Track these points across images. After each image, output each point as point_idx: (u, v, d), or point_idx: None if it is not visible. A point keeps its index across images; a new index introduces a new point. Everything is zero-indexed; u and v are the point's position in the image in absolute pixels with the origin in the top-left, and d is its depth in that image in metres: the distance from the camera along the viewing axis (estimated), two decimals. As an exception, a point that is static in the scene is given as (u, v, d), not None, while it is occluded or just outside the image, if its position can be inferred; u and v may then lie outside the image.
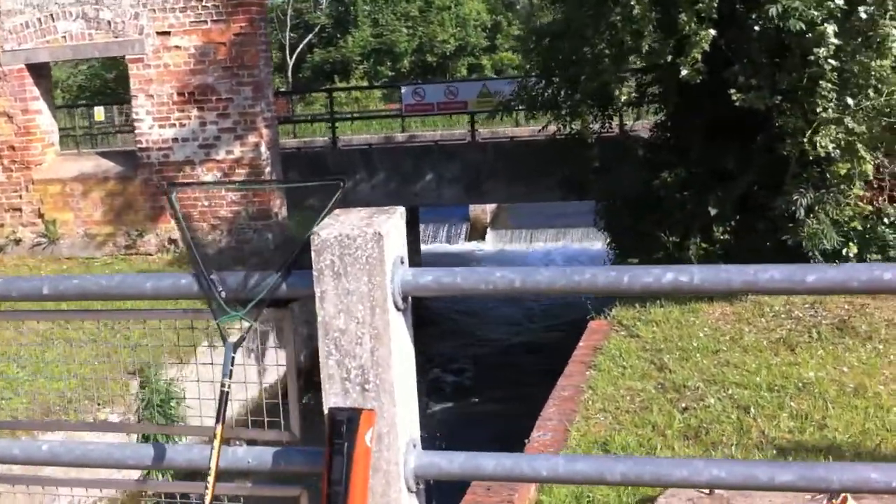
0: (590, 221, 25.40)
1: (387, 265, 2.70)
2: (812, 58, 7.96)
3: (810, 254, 9.06)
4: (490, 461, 2.74)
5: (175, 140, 13.11)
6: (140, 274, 2.97)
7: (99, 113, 23.10)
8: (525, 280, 2.66)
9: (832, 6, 7.93)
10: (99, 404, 8.45)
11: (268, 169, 13.06)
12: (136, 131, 13.33)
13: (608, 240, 13.92)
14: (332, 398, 2.76)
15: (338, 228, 2.75)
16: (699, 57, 8.46)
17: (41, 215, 13.74)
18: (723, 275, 2.58)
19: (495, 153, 16.11)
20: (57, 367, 8.92)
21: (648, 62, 9.08)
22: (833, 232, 8.89)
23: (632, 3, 8.66)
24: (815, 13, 7.87)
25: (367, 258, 2.69)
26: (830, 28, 7.78)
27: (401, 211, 2.92)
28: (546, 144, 15.97)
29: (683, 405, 6.43)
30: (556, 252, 23.84)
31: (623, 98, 9.70)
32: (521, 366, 13.81)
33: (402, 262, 2.78)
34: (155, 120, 13.12)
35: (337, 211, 2.93)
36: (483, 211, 26.43)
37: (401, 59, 41.98)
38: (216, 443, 2.72)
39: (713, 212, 10.21)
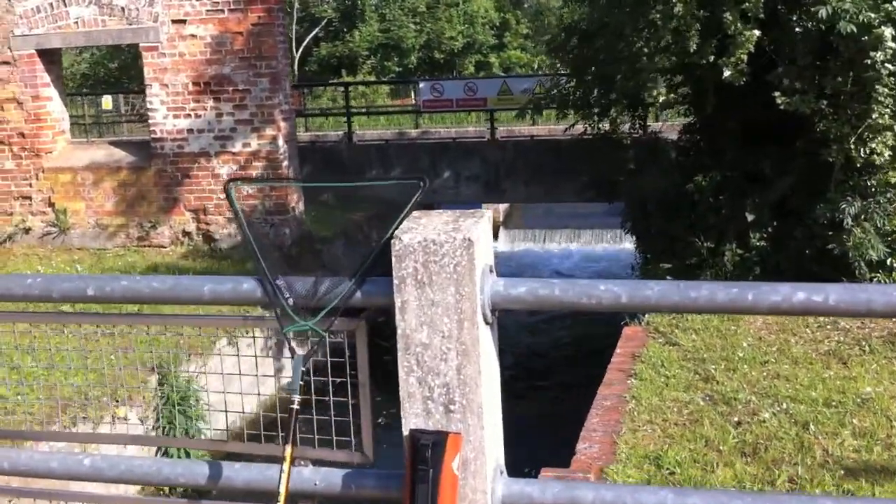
0: (603, 223, 25.33)
1: (476, 274, 2.46)
2: (868, 62, 7.71)
3: (855, 264, 8.81)
4: (589, 492, 2.50)
5: (190, 131, 12.88)
6: (197, 277, 2.74)
7: (107, 101, 22.87)
8: (633, 295, 2.42)
9: (890, 9, 7.68)
10: (117, 401, 8.22)
11: (285, 163, 12.82)
12: (150, 121, 13.09)
13: (636, 243, 13.70)
14: (412, 419, 2.53)
15: (421, 233, 2.52)
16: (745, 58, 8.22)
17: (51, 204, 13.52)
18: (861, 295, 2.35)
19: (515, 152, 15.88)
20: (73, 360, 8.70)
21: (690, 62, 8.84)
22: (879, 242, 8.64)
23: (674, 0, 8.42)
24: (872, 15, 7.61)
25: (454, 266, 2.46)
26: (888, 31, 7.53)
27: (488, 215, 2.69)
28: (569, 144, 15.76)
29: (736, 419, 6.18)
30: (576, 253, 23.56)
31: (661, 98, 9.46)
32: (551, 373, 13.57)
33: (492, 272, 2.54)
34: (169, 110, 12.89)
35: (415, 213, 2.70)
36: (496, 210, 26.15)
37: (408, 55, 41.75)
38: (286, 466, 2.49)
39: (750, 217, 9.98)
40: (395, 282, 2.49)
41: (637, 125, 12.11)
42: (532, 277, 2.66)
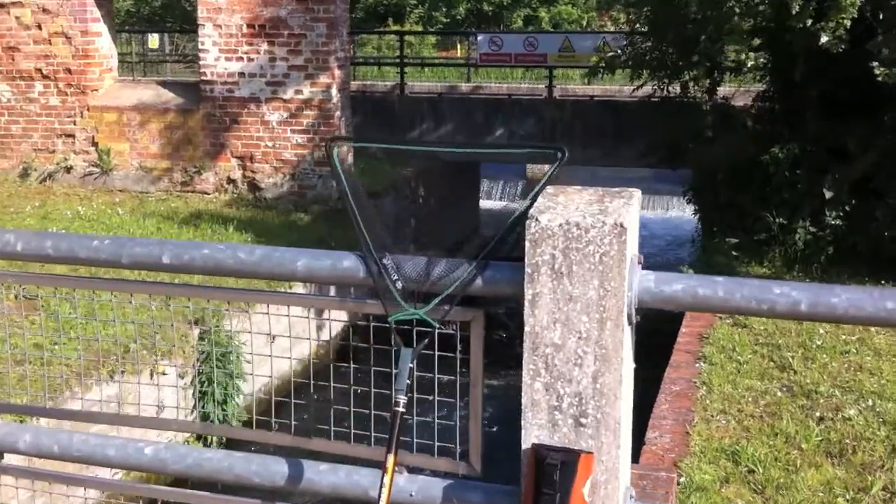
0: (652, 188, 24.80)
1: (626, 267, 2.09)
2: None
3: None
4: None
5: (241, 75, 12.52)
6: (289, 249, 2.39)
7: (153, 40, 22.54)
8: (815, 302, 2.03)
9: None
10: (157, 355, 7.98)
11: (337, 113, 12.45)
12: (201, 62, 12.74)
13: (698, 213, 13.19)
14: (534, 430, 2.18)
15: (562, 214, 2.14)
16: (847, 23, 7.68)
17: (95, 144, 13.27)
18: None
19: (573, 111, 15.37)
20: (112, 309, 8.47)
21: (786, 24, 8.32)
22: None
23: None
24: None
25: (601, 256, 2.09)
26: None
27: (638, 195, 2.31)
28: (631, 106, 15.23)
29: (818, 415, 5.80)
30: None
31: (750, 62, 8.91)
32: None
33: (639, 263, 2.17)
34: (221, 52, 12.52)
35: (549, 189, 2.32)
36: (540, 169, 25.63)
37: (456, 6, 40.92)
38: (387, 479, 2.15)
39: (828, 194, 9.48)
40: (528, 270, 2.13)
41: (711, 90, 11.53)
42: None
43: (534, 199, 2.24)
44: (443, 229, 16.35)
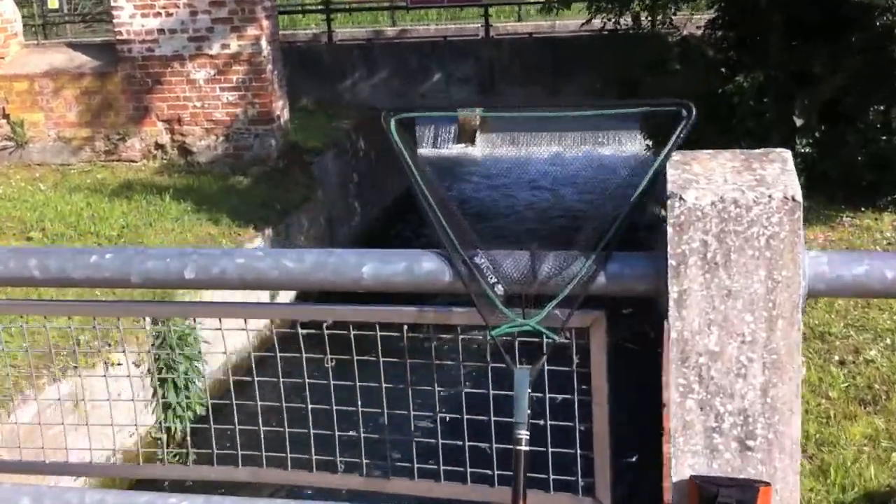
0: (584, 125, 24.54)
1: (799, 252, 1.68)
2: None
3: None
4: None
5: (161, 31, 11.71)
6: (349, 252, 1.92)
7: (53, 0, 21.19)
8: None
9: None
10: (109, 344, 7.38)
11: (269, 66, 11.75)
12: (115, 20, 11.88)
13: (653, 148, 12.90)
14: (687, 458, 1.78)
15: (712, 189, 1.72)
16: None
17: (6, 116, 12.35)
18: None
19: (511, 50, 14.88)
20: (51, 297, 7.84)
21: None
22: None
23: None
24: None
25: (767, 240, 1.68)
26: None
27: (789, 156, 1.88)
28: (572, 42, 14.83)
29: (837, 358, 5.55)
30: (575, 159, 22.57)
31: None
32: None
33: (804, 244, 1.75)
34: (137, 8, 11.69)
35: (675, 154, 1.89)
36: (473, 116, 25.09)
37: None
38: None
39: (798, 122, 9.22)
40: (672, 262, 1.71)
41: (666, 20, 11.17)
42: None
43: (660, 171, 1.81)
44: (386, 183, 15.82)
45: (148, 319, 7.73)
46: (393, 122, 1.94)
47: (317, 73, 15.45)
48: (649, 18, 11.56)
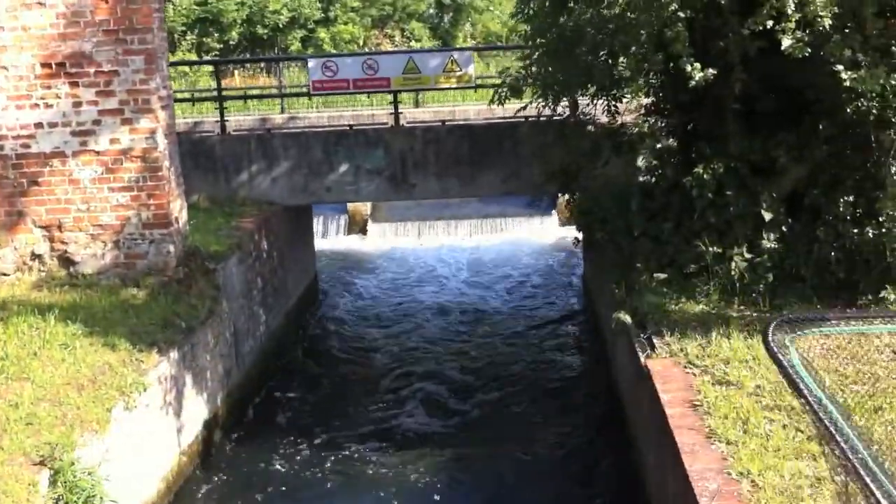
0: (477, 212, 24.07)
1: None
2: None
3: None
4: None
5: (39, 125, 10.46)
6: None
7: None
8: None
9: None
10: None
11: (166, 163, 10.62)
12: (-16, 114, 10.58)
13: (580, 241, 12.36)
14: None
15: None
16: (828, 24, 6.94)
17: None
18: None
19: (424, 140, 14.17)
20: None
21: (720, 30, 7.59)
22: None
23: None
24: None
25: None
26: None
27: None
28: (490, 129, 14.27)
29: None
30: (465, 253, 21.90)
31: (697, 75, 7.90)
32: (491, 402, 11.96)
33: None
34: (10, 99, 10.42)
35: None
36: (360, 205, 24.24)
37: (229, 31, 39.27)
38: None
39: (767, 216, 8.75)
40: None
41: (611, 108, 10.67)
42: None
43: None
44: (287, 284, 14.74)
45: (43, 477, 6.35)
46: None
47: (210, 166, 14.39)
48: (591, 105, 11.06)
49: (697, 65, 7.88)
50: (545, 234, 22.95)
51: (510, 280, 18.60)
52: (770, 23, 7.29)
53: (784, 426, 6.06)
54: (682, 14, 7.66)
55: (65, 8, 10.23)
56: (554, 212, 23.17)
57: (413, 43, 47.22)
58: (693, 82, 7.92)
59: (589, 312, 15.10)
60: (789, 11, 7.09)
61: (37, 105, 10.47)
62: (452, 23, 50.18)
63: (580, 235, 12.32)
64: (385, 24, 50.12)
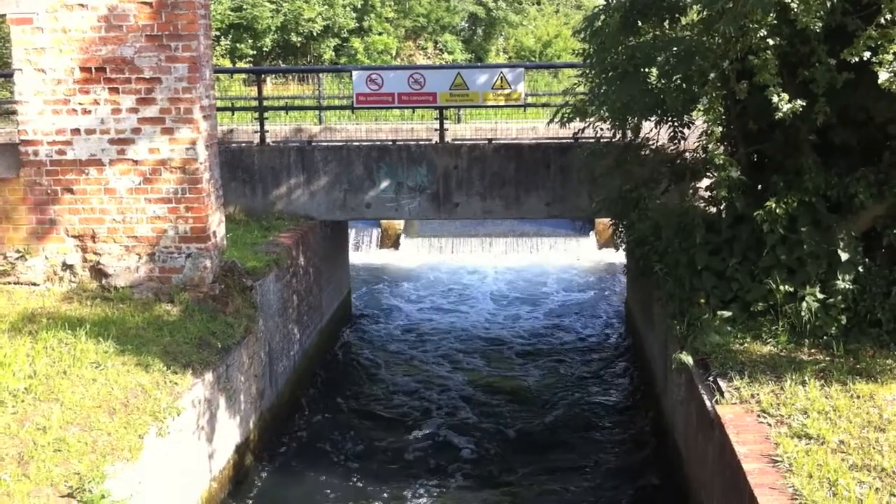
0: (512, 230, 23.71)
1: None
2: None
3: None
4: None
5: (76, 131, 10.24)
6: None
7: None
8: None
9: None
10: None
11: (206, 175, 10.37)
12: (20, 117, 10.37)
13: (629, 271, 11.97)
14: None
15: None
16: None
17: None
18: None
19: (470, 158, 13.85)
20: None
21: (809, 60, 7.23)
22: None
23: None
24: None
25: None
26: None
27: None
28: (538, 150, 13.94)
29: None
30: (499, 273, 21.56)
31: (785, 106, 7.55)
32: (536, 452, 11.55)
33: None
34: (47, 103, 10.21)
35: None
36: (392, 221, 23.95)
37: (262, 38, 39.34)
38: None
39: (844, 256, 8.34)
40: None
41: (678, 134, 10.31)
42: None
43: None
44: (321, 301, 14.44)
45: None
46: None
47: (247, 177, 14.15)
48: (655, 131, 10.69)
49: (785, 95, 7.55)
50: (583, 256, 22.59)
51: (547, 302, 18.23)
52: (867, 54, 6.93)
53: (876, 489, 5.66)
54: (770, 41, 7.33)
55: (107, 11, 10.02)
56: (592, 233, 22.83)
57: (446, 55, 47.14)
58: (780, 114, 7.58)
59: (631, 340, 14.72)
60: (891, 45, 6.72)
61: (74, 110, 10.25)
62: (485, 36, 50.13)
63: (626, 261, 11.93)
64: (419, 36, 50.13)
